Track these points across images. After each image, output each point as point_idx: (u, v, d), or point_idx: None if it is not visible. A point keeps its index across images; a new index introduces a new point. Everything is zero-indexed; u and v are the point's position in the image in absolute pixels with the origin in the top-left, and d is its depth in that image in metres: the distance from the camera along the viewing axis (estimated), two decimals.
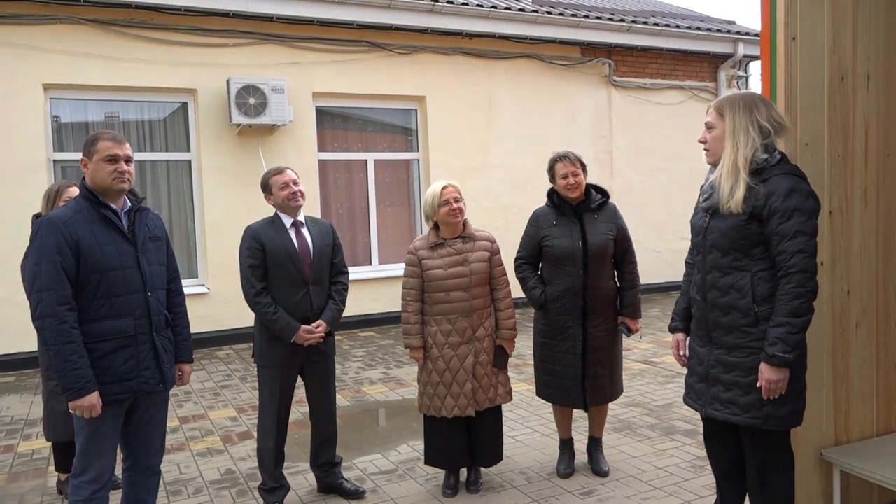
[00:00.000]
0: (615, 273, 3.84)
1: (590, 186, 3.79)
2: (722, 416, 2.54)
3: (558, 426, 4.00)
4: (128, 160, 2.70)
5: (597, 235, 3.69)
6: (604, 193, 3.80)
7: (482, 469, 3.82)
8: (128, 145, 2.73)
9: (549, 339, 3.77)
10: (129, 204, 2.77)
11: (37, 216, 3.75)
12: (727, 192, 2.41)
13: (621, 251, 3.79)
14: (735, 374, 2.49)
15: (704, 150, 2.59)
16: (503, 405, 3.76)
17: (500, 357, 3.65)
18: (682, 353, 2.81)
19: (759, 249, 2.43)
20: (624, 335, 3.83)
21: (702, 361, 2.62)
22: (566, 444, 3.96)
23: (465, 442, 3.67)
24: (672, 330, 2.86)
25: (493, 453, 3.74)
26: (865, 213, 2.91)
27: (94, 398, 2.55)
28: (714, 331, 2.55)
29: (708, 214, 2.56)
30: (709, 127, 2.55)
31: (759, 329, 2.43)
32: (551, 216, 3.77)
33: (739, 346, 2.48)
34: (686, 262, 2.86)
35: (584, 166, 3.72)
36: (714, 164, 2.58)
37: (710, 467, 2.89)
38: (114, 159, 2.65)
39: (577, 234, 3.68)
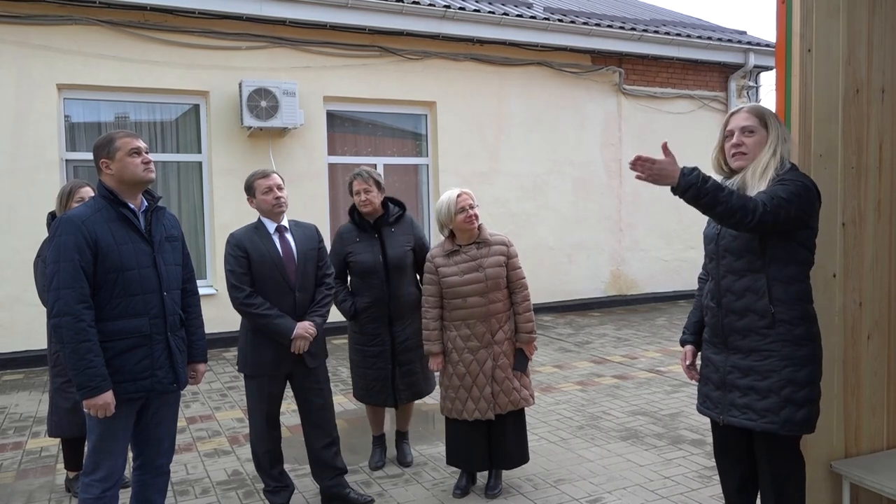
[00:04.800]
0: (417, 279, 4.11)
1: (387, 200, 4.07)
2: (738, 422, 2.52)
3: (372, 424, 4.31)
4: (147, 152, 2.76)
5: (395, 248, 3.99)
6: (401, 206, 4.11)
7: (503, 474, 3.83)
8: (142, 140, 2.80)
9: (362, 345, 4.05)
10: (146, 203, 2.80)
11: (52, 215, 3.77)
12: (755, 190, 2.42)
13: (421, 259, 4.00)
14: (751, 378, 2.48)
15: (740, 153, 2.51)
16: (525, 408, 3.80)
17: (521, 360, 3.68)
18: (688, 362, 2.80)
19: (772, 250, 2.44)
20: None
21: (717, 369, 2.61)
22: (379, 440, 4.31)
23: (485, 444, 3.69)
24: (682, 343, 2.86)
25: (518, 455, 3.75)
26: (879, 226, 2.91)
27: (108, 397, 2.56)
28: (730, 336, 2.54)
29: None
30: (749, 131, 2.50)
31: (776, 331, 2.43)
32: (354, 233, 4.06)
33: (756, 349, 2.47)
34: (699, 278, 2.84)
35: (378, 184, 3.98)
36: (737, 170, 2.54)
37: (717, 477, 2.88)
38: (137, 152, 2.71)
39: (378, 248, 3.98)
